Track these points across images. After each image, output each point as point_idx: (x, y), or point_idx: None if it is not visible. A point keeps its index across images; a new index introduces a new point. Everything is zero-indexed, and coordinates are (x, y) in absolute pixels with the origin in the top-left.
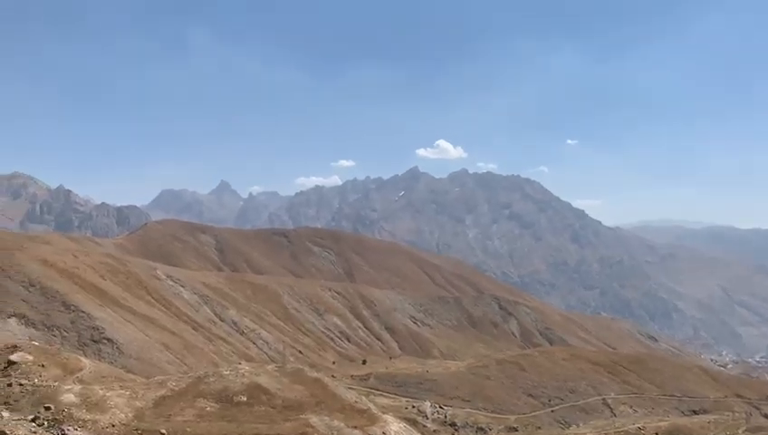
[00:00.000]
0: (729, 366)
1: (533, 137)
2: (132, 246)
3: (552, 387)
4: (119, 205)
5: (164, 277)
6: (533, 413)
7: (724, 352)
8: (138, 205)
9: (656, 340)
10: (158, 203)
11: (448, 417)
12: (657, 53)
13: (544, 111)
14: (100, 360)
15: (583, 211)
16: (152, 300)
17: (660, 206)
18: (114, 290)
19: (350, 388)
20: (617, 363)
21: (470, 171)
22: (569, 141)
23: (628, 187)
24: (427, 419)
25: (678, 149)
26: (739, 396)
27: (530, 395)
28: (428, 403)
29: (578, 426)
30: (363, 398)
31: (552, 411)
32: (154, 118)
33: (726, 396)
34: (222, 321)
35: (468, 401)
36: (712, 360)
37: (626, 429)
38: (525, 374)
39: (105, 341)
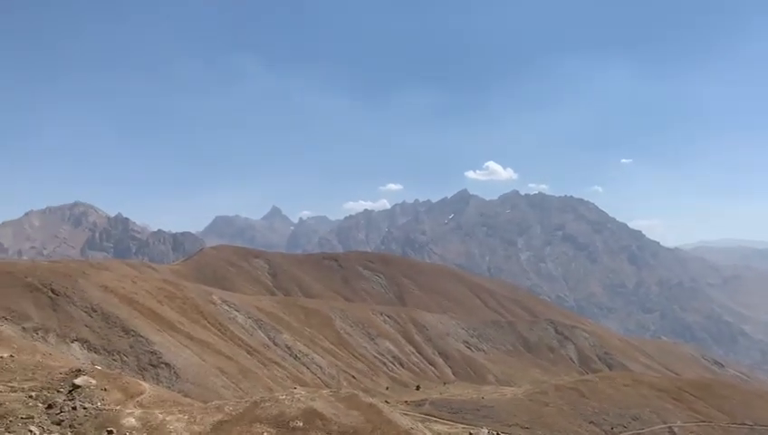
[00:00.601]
0: None
1: (586, 156)
2: (188, 271)
3: (615, 414)
4: (174, 232)
5: (219, 302)
6: None
7: None
8: (192, 231)
9: (722, 365)
10: (211, 229)
11: None
12: (715, 67)
13: (597, 129)
14: (158, 384)
15: (640, 232)
16: (208, 324)
17: (722, 225)
18: (171, 315)
19: (405, 414)
20: (682, 390)
21: (521, 193)
22: (623, 160)
23: (687, 206)
24: None
25: (740, 165)
26: None
27: (591, 422)
28: (485, 430)
29: None
30: (419, 424)
31: None
32: (207, 146)
33: None
34: (276, 345)
35: (527, 428)
36: None
37: None
38: (586, 401)
39: (163, 365)
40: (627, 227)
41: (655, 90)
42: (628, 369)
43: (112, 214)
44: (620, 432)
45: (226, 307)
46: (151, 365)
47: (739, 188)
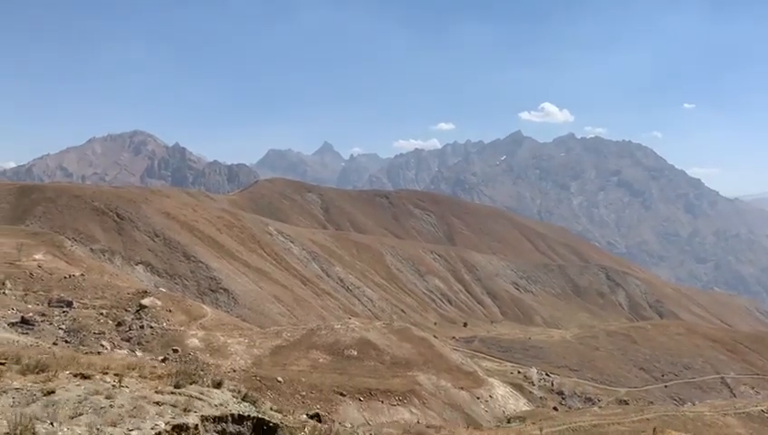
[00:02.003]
0: None
1: (646, 100)
2: (244, 202)
3: (666, 362)
4: (229, 163)
5: (275, 233)
6: (645, 387)
7: None
8: (247, 163)
9: None
10: (264, 162)
11: (555, 385)
12: None
13: (659, 72)
14: (217, 308)
15: (699, 180)
16: (264, 254)
17: None
18: (230, 243)
19: (455, 349)
20: (737, 341)
21: (577, 136)
22: (685, 105)
23: (750, 154)
24: (534, 385)
25: None
26: None
27: (641, 369)
28: (535, 370)
29: (693, 404)
30: (468, 360)
31: (666, 387)
32: (262, 80)
33: None
34: (329, 277)
35: (576, 370)
36: None
37: (747, 410)
38: (637, 347)
39: (222, 290)
40: (685, 174)
41: (726, 31)
42: (680, 318)
43: (170, 143)
44: (671, 380)
45: (282, 238)
46: (211, 290)
47: None
